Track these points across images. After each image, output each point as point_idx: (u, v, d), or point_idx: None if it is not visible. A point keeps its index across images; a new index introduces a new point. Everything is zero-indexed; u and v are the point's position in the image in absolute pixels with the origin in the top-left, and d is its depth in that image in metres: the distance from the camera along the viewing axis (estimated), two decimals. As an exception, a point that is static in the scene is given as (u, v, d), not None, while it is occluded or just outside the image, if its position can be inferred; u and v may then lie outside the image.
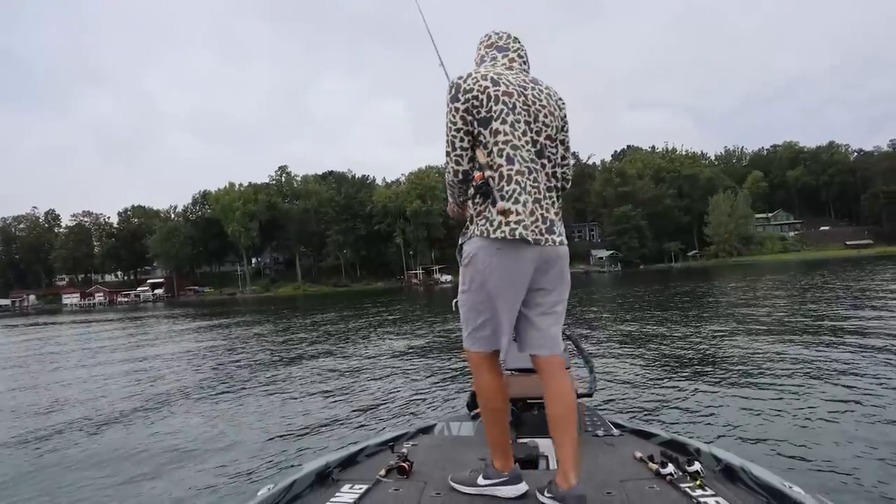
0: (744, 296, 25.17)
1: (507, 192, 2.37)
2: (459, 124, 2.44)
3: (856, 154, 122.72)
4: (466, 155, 2.47)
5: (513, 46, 2.68)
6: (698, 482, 2.42)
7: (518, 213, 2.34)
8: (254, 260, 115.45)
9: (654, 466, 2.59)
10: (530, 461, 2.89)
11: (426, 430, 3.69)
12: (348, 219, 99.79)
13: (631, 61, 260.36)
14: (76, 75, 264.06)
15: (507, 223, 2.33)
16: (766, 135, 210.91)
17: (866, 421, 6.16)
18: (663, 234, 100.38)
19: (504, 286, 2.40)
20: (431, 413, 7.19)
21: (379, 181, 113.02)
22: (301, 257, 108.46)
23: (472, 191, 2.47)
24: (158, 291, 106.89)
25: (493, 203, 2.35)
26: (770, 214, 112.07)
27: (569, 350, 4.25)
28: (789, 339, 11.76)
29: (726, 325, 15.02)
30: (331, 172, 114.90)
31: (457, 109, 2.44)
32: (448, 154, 2.50)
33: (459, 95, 2.43)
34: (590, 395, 4.02)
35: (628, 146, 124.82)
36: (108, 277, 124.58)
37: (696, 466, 2.53)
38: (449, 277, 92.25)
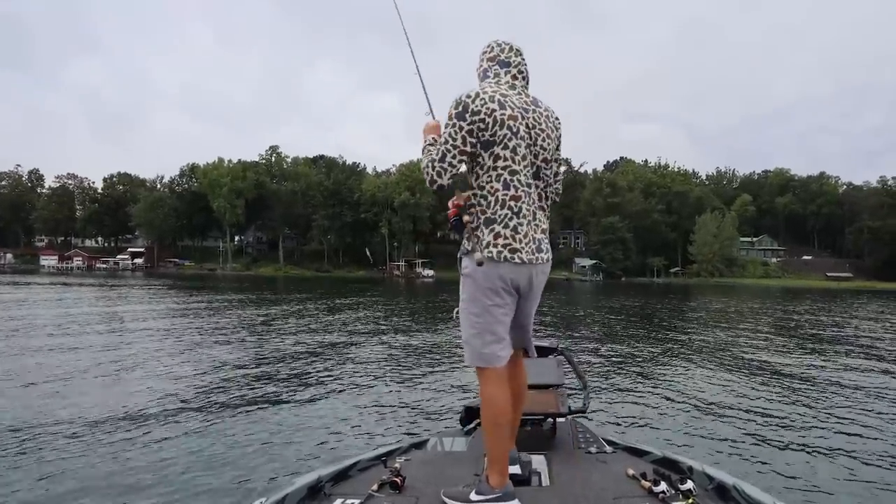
0: (730, 316, 25.49)
1: (499, 216, 2.50)
2: (458, 143, 2.49)
3: (845, 187, 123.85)
4: (451, 171, 2.53)
5: (514, 61, 2.70)
6: (690, 500, 2.42)
7: (506, 238, 2.48)
8: (237, 237, 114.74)
9: (647, 484, 2.57)
10: (523, 477, 2.84)
11: (419, 444, 3.70)
12: (335, 204, 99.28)
13: (630, 72, 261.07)
14: (69, 40, 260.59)
15: (496, 245, 2.47)
16: (759, 158, 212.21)
17: (856, 441, 6.36)
18: (648, 248, 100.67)
19: (499, 304, 2.54)
20: (424, 427, 7.18)
21: (369, 171, 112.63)
22: (285, 239, 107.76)
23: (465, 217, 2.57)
24: (138, 261, 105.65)
25: (487, 224, 2.51)
26: (755, 239, 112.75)
27: (562, 367, 4.31)
28: (777, 361, 12.24)
29: (713, 344, 15.22)
30: (322, 157, 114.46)
31: (460, 128, 2.48)
32: (433, 162, 2.54)
33: (466, 115, 2.48)
34: (583, 412, 4.02)
35: (621, 158, 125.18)
36: (89, 242, 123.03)
37: (689, 485, 2.53)
38: (431, 272, 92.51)
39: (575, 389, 4.55)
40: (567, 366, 4.49)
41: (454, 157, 2.51)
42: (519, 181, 2.52)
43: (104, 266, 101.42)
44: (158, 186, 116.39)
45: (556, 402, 3.83)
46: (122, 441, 6.33)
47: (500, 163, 2.49)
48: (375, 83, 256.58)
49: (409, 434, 6.75)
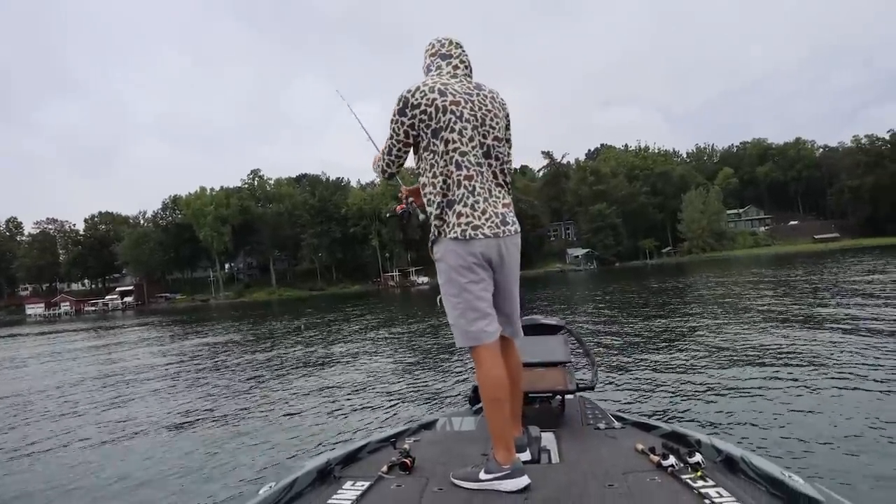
0: (725, 289, 25.65)
1: (457, 196, 2.63)
2: (401, 136, 2.71)
3: (821, 150, 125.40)
4: (397, 163, 2.84)
5: (455, 53, 2.85)
6: (699, 473, 2.43)
7: (467, 216, 2.61)
8: (227, 265, 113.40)
9: (656, 458, 2.59)
10: (533, 456, 2.87)
11: (428, 425, 3.71)
12: (323, 221, 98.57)
13: (603, 59, 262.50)
14: (39, 79, 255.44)
15: (459, 224, 2.60)
16: (736, 132, 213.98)
17: (863, 408, 6.24)
18: (638, 231, 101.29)
19: (475, 280, 2.62)
20: (433, 408, 7.30)
21: (354, 183, 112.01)
22: (275, 261, 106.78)
23: (431, 209, 2.71)
24: (128, 299, 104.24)
25: (449, 206, 2.64)
26: (741, 210, 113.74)
27: (570, 344, 4.30)
28: (779, 329, 12.02)
29: (715, 317, 15.29)
30: (304, 175, 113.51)
31: (402, 123, 2.68)
32: (383, 155, 2.83)
33: (406, 110, 2.66)
34: (591, 389, 4.05)
35: (602, 145, 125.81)
36: (75, 286, 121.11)
37: (697, 458, 2.54)
38: (426, 279, 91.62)
39: (583, 367, 4.60)
40: (574, 343, 4.52)
41: (399, 149, 2.77)
42: (469, 161, 2.64)
43: (93, 309, 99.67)
44: (142, 222, 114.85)
45: (563, 379, 3.81)
46: (142, 443, 6.84)
47: (451, 146, 2.62)
48: (355, 93, 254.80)
49: (418, 415, 6.77)
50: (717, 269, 50.50)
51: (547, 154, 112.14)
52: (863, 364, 8.29)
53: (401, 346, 13.97)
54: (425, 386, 8.72)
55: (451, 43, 2.89)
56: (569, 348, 4.22)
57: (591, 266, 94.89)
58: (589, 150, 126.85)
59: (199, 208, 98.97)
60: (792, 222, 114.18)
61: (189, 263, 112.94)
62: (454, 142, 2.62)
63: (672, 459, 2.54)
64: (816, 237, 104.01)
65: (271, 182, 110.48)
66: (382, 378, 9.56)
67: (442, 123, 2.62)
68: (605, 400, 6.95)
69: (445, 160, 2.64)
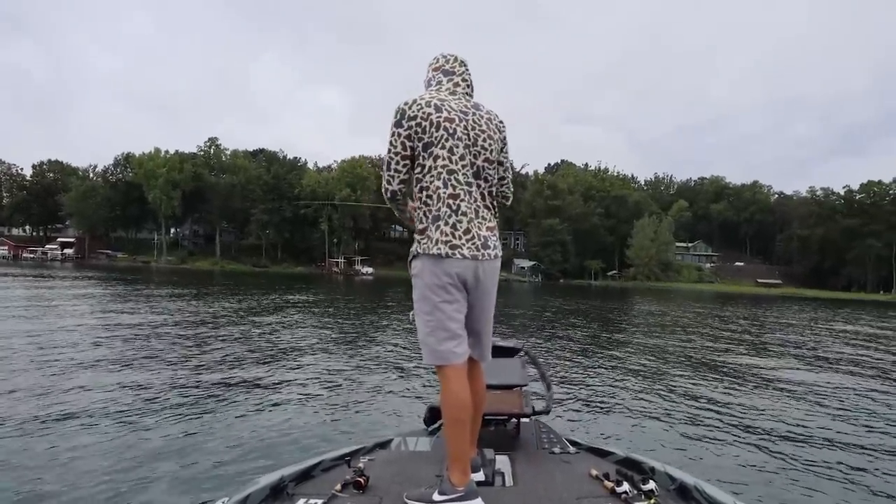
0: (675, 319, 26.51)
1: (441, 213, 2.60)
2: (399, 148, 2.64)
3: (776, 196, 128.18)
4: (398, 177, 2.69)
5: (458, 70, 2.85)
6: (652, 501, 2.43)
7: (447, 234, 2.58)
8: (173, 230, 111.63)
9: (610, 485, 2.60)
10: (487, 478, 2.85)
11: (383, 444, 3.69)
12: (275, 199, 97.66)
13: (575, 74, 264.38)
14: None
15: (439, 242, 2.57)
16: (695, 166, 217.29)
17: (814, 440, 6.59)
18: (587, 250, 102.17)
19: (448, 300, 2.61)
20: (388, 427, 7.18)
21: (310, 166, 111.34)
22: (222, 233, 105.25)
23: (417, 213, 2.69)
24: (68, 251, 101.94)
25: (433, 222, 2.60)
26: (690, 244, 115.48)
27: (526, 367, 4.34)
28: (729, 361, 12.64)
29: (665, 345, 15.73)
30: (262, 150, 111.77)
31: (399, 135, 2.63)
32: (384, 172, 2.72)
33: (403, 122, 2.62)
34: (546, 413, 4.02)
35: (562, 160, 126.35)
36: (16, 231, 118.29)
37: (651, 485, 2.54)
38: (370, 270, 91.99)
39: (539, 390, 4.55)
40: (531, 366, 4.52)
41: (398, 162, 2.67)
42: (457, 180, 2.61)
43: (31, 256, 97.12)
44: (91, 175, 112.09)
45: (519, 403, 3.82)
46: (71, 445, 5.99)
47: (440, 162, 2.60)
48: (320, 77, 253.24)
49: (373, 434, 6.63)
50: (661, 298, 51.38)
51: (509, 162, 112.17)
52: (817, 395, 8.93)
53: (354, 350, 13.62)
54: (379, 402, 8.63)
55: (455, 60, 2.89)
56: (526, 371, 4.26)
57: (535, 279, 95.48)
58: (549, 164, 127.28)
59: (151, 169, 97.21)
60: (738, 263, 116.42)
61: (135, 223, 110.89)
62: (444, 158, 2.61)
63: (626, 486, 2.54)
64: (759, 281, 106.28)
65: (228, 152, 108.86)
66: (335, 389, 9.34)
67: (434, 139, 2.61)
68: (561, 423, 7.09)
69: (433, 176, 2.62)
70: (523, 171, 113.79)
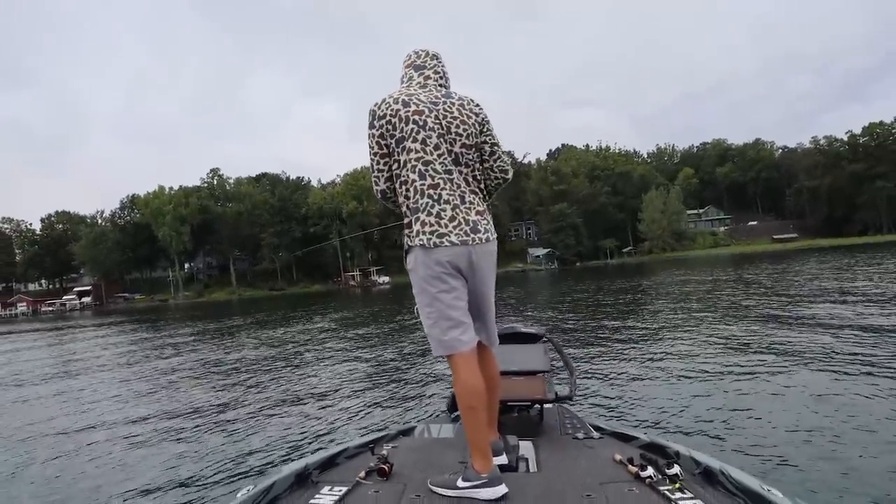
0: (695, 289, 25.57)
1: (421, 205, 2.64)
2: (375, 148, 2.74)
3: (780, 150, 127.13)
4: (383, 176, 2.76)
5: (429, 64, 2.91)
6: (677, 485, 2.43)
7: (431, 224, 2.61)
8: (186, 265, 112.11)
9: (634, 469, 2.58)
10: (510, 463, 2.85)
11: (406, 432, 3.72)
12: (283, 221, 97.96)
13: (566, 60, 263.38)
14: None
15: (423, 233, 2.61)
16: (697, 133, 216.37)
17: (845, 421, 6.18)
18: (598, 231, 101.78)
19: (445, 290, 2.63)
20: (411, 415, 7.26)
21: (314, 183, 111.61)
22: (235, 261, 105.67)
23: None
24: (86, 299, 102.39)
25: (413, 214, 2.65)
26: (701, 210, 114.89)
27: (549, 353, 4.30)
28: (757, 336, 11.74)
29: (688, 321, 14.92)
30: (264, 174, 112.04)
31: (372, 136, 2.73)
32: (371, 174, 2.82)
33: (374, 122, 2.71)
34: (570, 398, 4.02)
35: (563, 145, 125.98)
36: (32, 286, 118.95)
37: (676, 469, 2.52)
38: (387, 279, 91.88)
39: (561, 376, 4.56)
40: (553, 352, 4.51)
41: (378, 162, 2.75)
42: (434, 170, 2.65)
43: (50, 309, 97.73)
44: (99, 221, 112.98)
45: (542, 389, 3.81)
46: (113, 444, 6.75)
47: (413, 155, 2.65)
48: (315, 90, 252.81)
49: (396, 421, 6.82)
50: (680, 268, 50.60)
51: (508, 154, 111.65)
52: (847, 374, 8.06)
53: (375, 349, 13.92)
54: (403, 392, 8.75)
55: (427, 54, 2.95)
56: (548, 357, 4.22)
57: (552, 266, 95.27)
58: (550, 150, 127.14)
59: (157, 207, 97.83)
60: (751, 222, 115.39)
61: (148, 263, 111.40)
62: (416, 151, 2.66)
63: (650, 471, 2.53)
64: (775, 237, 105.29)
65: (231, 181, 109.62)
66: (359, 383, 9.60)
67: (405, 133, 2.66)
68: (584, 409, 7.09)
69: (408, 169, 2.67)
70: (525, 161, 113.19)
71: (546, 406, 3.89)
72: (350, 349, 14.00)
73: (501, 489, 2.48)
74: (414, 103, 2.70)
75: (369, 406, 7.93)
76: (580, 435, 3.40)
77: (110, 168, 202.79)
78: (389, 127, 2.68)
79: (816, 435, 5.81)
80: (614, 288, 31.46)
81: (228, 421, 7.37)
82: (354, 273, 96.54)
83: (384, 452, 2.89)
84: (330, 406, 8.03)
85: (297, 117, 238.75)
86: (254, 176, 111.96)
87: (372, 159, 2.77)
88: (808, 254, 56.89)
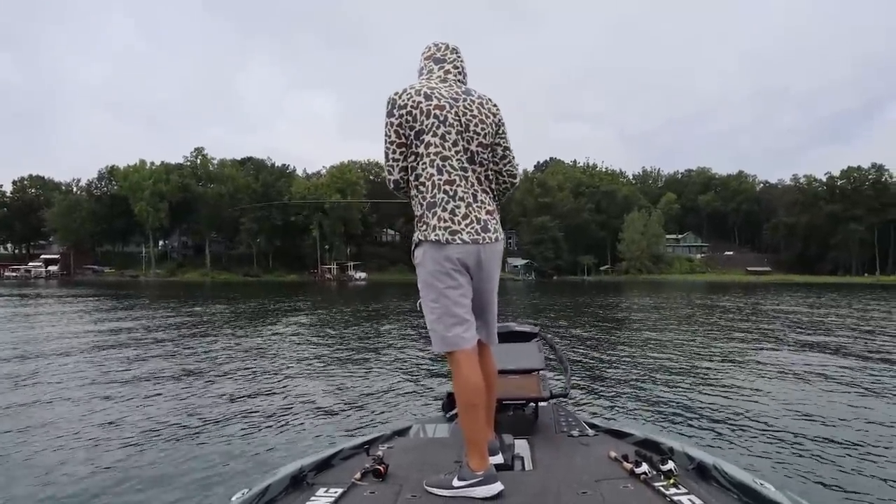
0: (673, 310, 26.59)
1: (438, 200, 2.62)
2: (393, 137, 2.68)
3: (762, 185, 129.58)
4: (398, 166, 2.72)
5: (449, 58, 2.87)
6: (672, 481, 2.44)
7: (446, 220, 2.60)
8: (161, 242, 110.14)
9: (629, 466, 2.60)
10: (506, 461, 2.85)
11: (401, 432, 3.69)
12: (264, 207, 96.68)
13: (561, 72, 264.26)
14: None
15: (438, 228, 2.59)
16: (683, 157, 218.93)
17: (833, 418, 6.74)
18: (579, 247, 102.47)
19: (452, 286, 2.61)
20: (406, 414, 7.29)
21: (299, 172, 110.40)
22: (211, 243, 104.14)
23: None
24: (53, 268, 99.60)
25: (429, 209, 2.63)
26: (680, 236, 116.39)
27: (543, 351, 4.26)
28: (741, 344, 13.21)
29: (671, 333, 15.83)
30: (249, 158, 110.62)
31: (391, 124, 2.67)
32: (385, 164, 2.76)
33: (394, 111, 2.66)
34: (565, 396, 4.00)
35: (551, 158, 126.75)
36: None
37: (670, 465, 2.54)
38: (364, 275, 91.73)
39: (556, 374, 4.60)
40: (548, 350, 4.52)
41: (394, 151, 2.70)
42: (452, 166, 2.63)
43: (14, 275, 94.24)
44: (75, 189, 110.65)
45: (537, 387, 3.80)
46: (97, 446, 6.11)
47: (432, 149, 2.62)
48: (308, 83, 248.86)
49: (391, 422, 6.83)
50: (655, 291, 51.61)
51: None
52: (832, 375, 9.17)
53: (367, 347, 13.76)
54: (397, 391, 8.74)
55: (446, 48, 2.90)
56: (543, 355, 4.20)
57: (529, 277, 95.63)
58: (538, 163, 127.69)
59: (136, 181, 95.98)
60: (728, 252, 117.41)
61: (122, 237, 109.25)
62: (436, 146, 2.62)
63: (645, 467, 2.53)
64: (749, 269, 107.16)
65: (215, 162, 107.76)
66: (353, 382, 9.46)
67: (425, 126, 2.62)
68: (580, 405, 7.32)
69: (426, 163, 2.63)
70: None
71: (541, 404, 3.86)
72: (340, 346, 13.84)
73: (497, 487, 2.47)
74: (436, 97, 2.67)
75: (364, 406, 7.89)
76: (575, 432, 3.40)
77: (90, 139, 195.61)
78: (409, 118, 2.64)
79: (812, 434, 6.13)
80: (591, 302, 32.19)
81: (217, 421, 7.10)
82: (331, 266, 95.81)
83: (379, 453, 2.90)
84: (323, 406, 7.91)
85: (289, 108, 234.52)
86: (238, 159, 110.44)
87: (388, 148, 2.72)
88: (782, 288, 58.55)
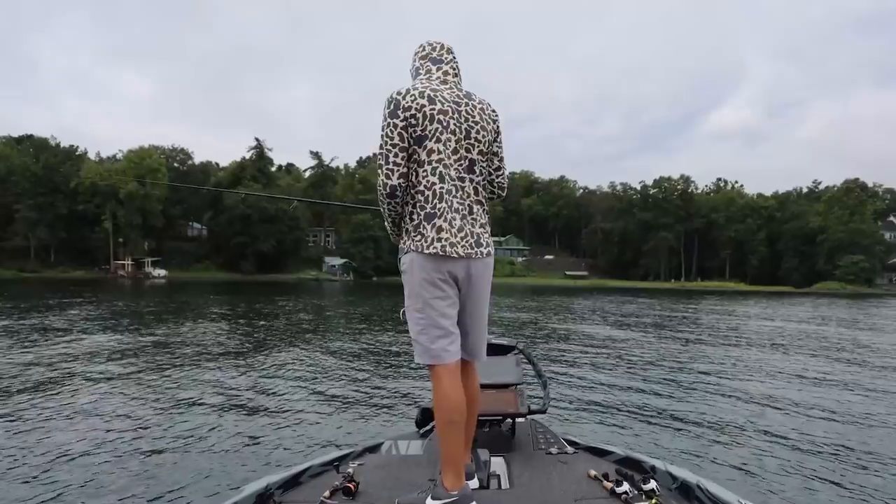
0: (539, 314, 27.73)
1: (438, 210, 2.50)
2: (396, 140, 2.53)
3: (582, 190, 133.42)
4: (398, 171, 2.53)
5: (446, 58, 2.74)
6: (654, 501, 2.42)
7: (445, 231, 2.51)
8: None
9: (609, 485, 2.57)
10: (482, 481, 2.80)
11: (373, 448, 3.58)
12: (46, 193, 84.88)
13: (397, 69, 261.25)
14: None
15: (439, 240, 2.49)
16: (514, 159, 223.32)
17: (820, 441, 6.92)
18: (398, 247, 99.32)
19: (440, 297, 2.52)
20: (378, 430, 7.15)
21: (92, 155, 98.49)
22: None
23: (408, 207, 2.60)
24: None
25: (428, 220, 2.53)
26: (502, 239, 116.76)
27: (521, 365, 4.12)
28: (698, 355, 14.26)
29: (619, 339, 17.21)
30: (30, 136, 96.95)
31: (395, 126, 2.52)
32: (380, 167, 2.56)
33: (399, 112, 2.52)
34: (543, 412, 3.84)
35: (374, 154, 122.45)
36: None
37: (652, 484, 2.52)
38: (163, 272, 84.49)
39: (534, 389, 4.47)
40: (526, 364, 4.27)
41: (396, 154, 2.53)
42: (450, 175, 2.53)
43: None
44: None
45: (515, 402, 3.66)
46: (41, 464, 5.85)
47: (434, 157, 2.51)
48: (123, 53, 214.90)
49: (362, 437, 6.71)
50: (494, 294, 50.75)
51: (315, 154, 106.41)
52: (821, 390, 10.03)
53: (340, 354, 13.79)
54: (369, 404, 8.63)
55: (442, 47, 2.77)
56: (521, 369, 4.03)
57: (347, 277, 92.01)
58: (361, 158, 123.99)
59: None
60: (548, 256, 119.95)
61: None
62: (438, 153, 2.51)
63: (626, 486, 2.50)
64: (568, 273, 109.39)
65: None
66: (320, 393, 9.37)
67: (428, 132, 2.50)
68: (558, 422, 7.40)
69: (427, 171, 2.52)
70: (333, 164, 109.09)
71: (518, 420, 3.69)
72: (314, 353, 13.96)
73: None
74: (439, 101, 2.53)
75: (333, 420, 7.75)
76: (554, 450, 3.28)
77: None
78: (413, 122, 2.49)
79: (794, 452, 6.40)
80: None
81: (176, 437, 6.79)
82: (126, 262, 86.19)
83: (350, 470, 2.78)
84: (291, 420, 7.68)
85: (91, 81, 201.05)
86: (15, 137, 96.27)
87: (388, 151, 2.51)
88: (602, 293, 61.61)
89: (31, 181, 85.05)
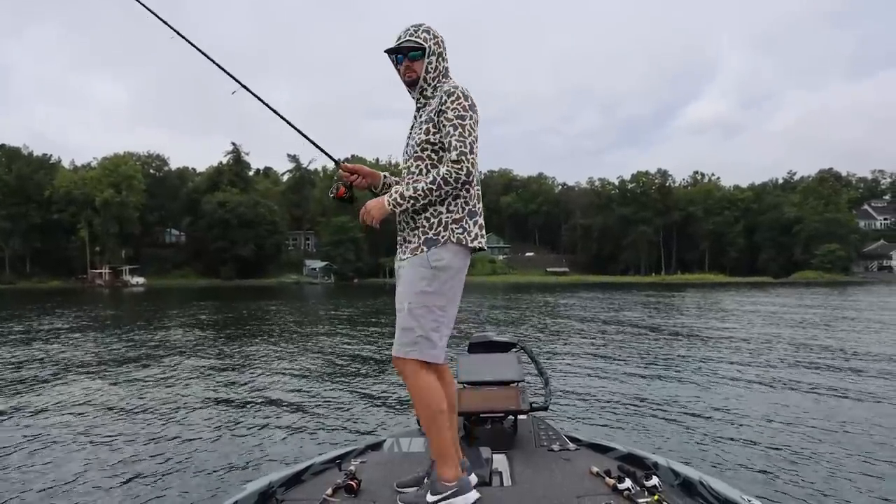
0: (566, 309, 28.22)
1: (477, 210, 2.63)
2: (476, 132, 2.59)
3: (560, 187, 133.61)
4: (475, 160, 2.56)
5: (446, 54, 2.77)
6: (656, 497, 2.41)
7: (482, 227, 2.64)
8: None
9: (612, 481, 2.56)
10: (484, 477, 2.78)
11: (375, 446, 3.61)
12: (19, 203, 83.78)
13: (377, 67, 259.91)
14: None
15: (481, 236, 2.60)
16: (483, 157, 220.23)
17: (820, 433, 6.84)
18: (380, 248, 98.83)
19: (459, 294, 2.59)
20: (380, 428, 7.21)
21: (66, 164, 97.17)
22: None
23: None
24: None
25: (471, 216, 2.60)
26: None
27: (522, 362, 4.11)
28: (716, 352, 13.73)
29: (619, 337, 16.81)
30: (1, 146, 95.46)
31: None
32: (465, 155, 2.52)
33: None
34: (545, 409, 3.80)
35: (352, 155, 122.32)
36: None
37: (654, 481, 2.51)
38: (141, 280, 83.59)
39: (536, 386, 4.46)
40: (528, 361, 4.33)
41: (476, 145, 2.57)
42: (477, 178, 2.64)
43: None
44: None
45: (516, 399, 3.59)
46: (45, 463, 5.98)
47: (476, 159, 2.56)
48: (98, 60, 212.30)
49: (364, 435, 6.80)
50: (470, 292, 50.71)
51: (293, 158, 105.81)
52: (825, 387, 9.46)
53: (329, 354, 13.99)
54: (371, 402, 8.69)
55: (443, 39, 2.77)
56: (522, 366, 4.03)
57: (327, 280, 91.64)
58: (339, 160, 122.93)
59: None
60: (528, 253, 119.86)
61: None
62: (476, 155, 2.57)
63: (628, 482, 2.49)
64: (549, 270, 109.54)
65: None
66: (327, 393, 9.39)
67: (475, 135, 2.58)
68: (561, 418, 7.39)
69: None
70: (311, 167, 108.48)
71: (520, 417, 3.65)
72: (305, 352, 14.11)
73: (473, 496, 2.43)
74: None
75: (334, 418, 7.77)
76: (556, 447, 3.28)
77: None
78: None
79: (798, 449, 6.21)
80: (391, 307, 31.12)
81: (179, 436, 6.90)
82: (103, 271, 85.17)
83: (352, 468, 2.81)
84: (294, 418, 7.76)
85: (66, 88, 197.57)
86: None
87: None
88: (584, 288, 60.96)
89: (4, 191, 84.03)
